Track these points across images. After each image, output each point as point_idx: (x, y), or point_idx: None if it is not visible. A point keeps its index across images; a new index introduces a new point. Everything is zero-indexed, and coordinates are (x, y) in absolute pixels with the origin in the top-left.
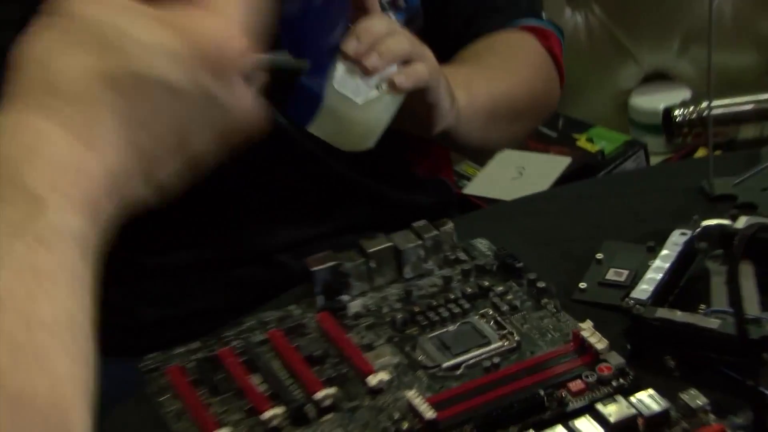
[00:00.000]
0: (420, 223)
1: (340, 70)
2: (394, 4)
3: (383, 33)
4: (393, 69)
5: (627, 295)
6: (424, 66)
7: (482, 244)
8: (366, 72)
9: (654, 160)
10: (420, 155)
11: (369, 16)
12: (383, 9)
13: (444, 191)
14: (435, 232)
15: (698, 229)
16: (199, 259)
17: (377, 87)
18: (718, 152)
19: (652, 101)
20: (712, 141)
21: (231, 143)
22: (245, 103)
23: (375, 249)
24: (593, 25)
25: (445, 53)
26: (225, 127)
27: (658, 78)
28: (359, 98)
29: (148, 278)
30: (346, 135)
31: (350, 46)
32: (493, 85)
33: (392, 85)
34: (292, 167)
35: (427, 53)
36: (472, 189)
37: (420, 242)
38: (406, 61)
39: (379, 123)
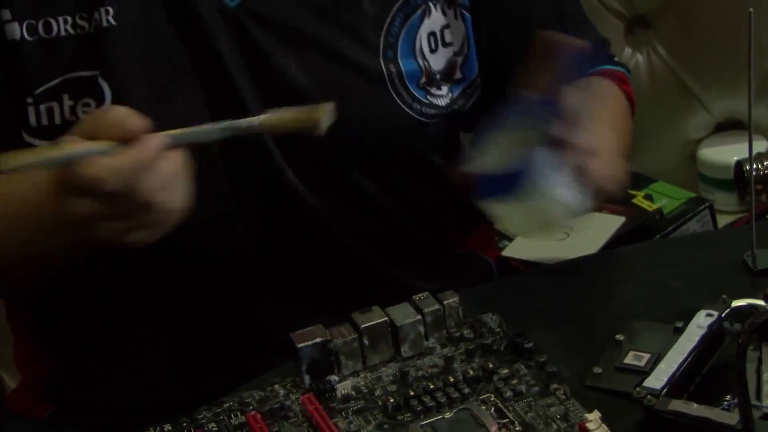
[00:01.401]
0: (422, 296)
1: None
2: (450, 77)
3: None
4: None
5: (641, 383)
6: None
7: (492, 320)
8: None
9: (724, 220)
10: (465, 233)
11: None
12: (435, 80)
13: (485, 274)
14: (437, 307)
15: (727, 310)
16: (210, 341)
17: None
18: None
19: (724, 153)
20: (754, 205)
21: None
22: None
23: (368, 324)
24: (656, 66)
25: None
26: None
27: (731, 127)
28: (576, 205)
29: (148, 360)
30: (534, 225)
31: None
32: None
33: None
34: (318, 252)
35: None
36: (512, 251)
37: (419, 317)
38: None
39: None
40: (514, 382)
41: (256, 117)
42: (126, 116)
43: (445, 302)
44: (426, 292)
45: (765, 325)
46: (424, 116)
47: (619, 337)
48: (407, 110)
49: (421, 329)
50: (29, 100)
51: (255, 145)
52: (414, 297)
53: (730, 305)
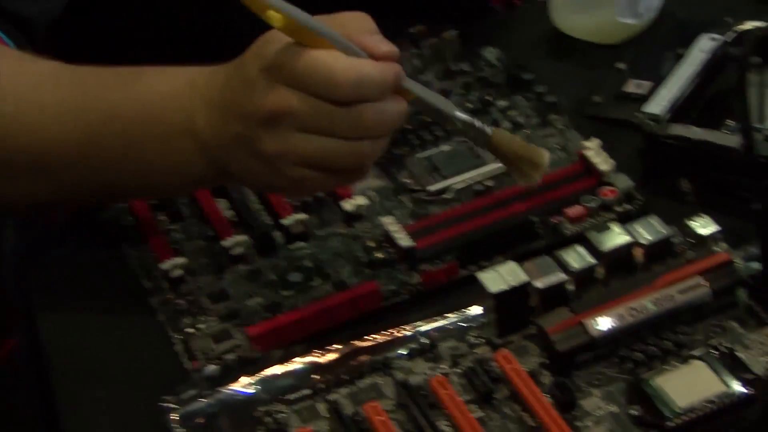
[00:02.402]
0: (418, 29)
1: None
2: None
3: None
4: None
5: (641, 109)
6: None
7: (491, 54)
8: None
9: None
10: None
11: None
12: None
13: None
14: (435, 39)
15: (730, 33)
16: None
17: None
18: None
19: None
20: None
21: None
22: None
23: None
24: None
25: None
26: None
27: None
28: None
29: None
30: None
31: None
32: None
33: None
34: None
35: None
36: None
37: (416, 50)
38: None
39: None
40: (513, 113)
41: (488, 126)
42: (376, 30)
43: (442, 35)
44: (422, 26)
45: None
46: None
47: (620, 65)
48: None
49: (418, 63)
50: None
51: None
52: (410, 29)
53: (733, 28)
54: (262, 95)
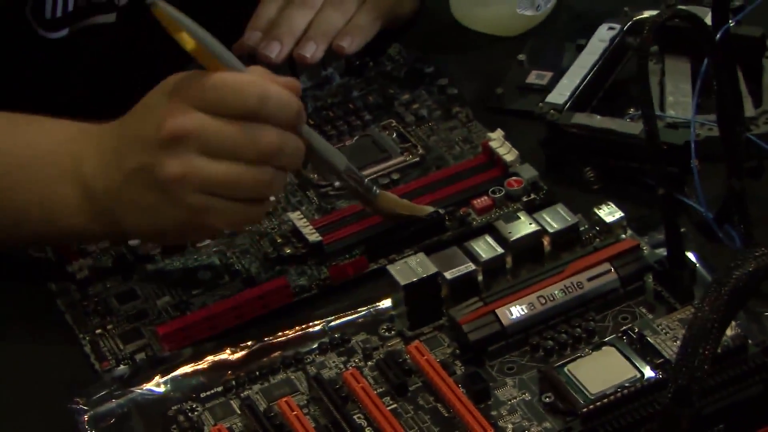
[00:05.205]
0: None
1: None
2: None
3: None
4: None
5: (544, 100)
6: None
7: (392, 48)
8: None
9: None
10: None
11: None
12: None
13: None
14: None
15: (629, 23)
16: None
17: None
18: None
19: None
20: None
21: None
22: None
23: None
24: None
25: None
26: None
27: None
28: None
29: None
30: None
31: None
32: None
33: None
34: None
35: None
36: None
37: None
38: None
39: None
40: (416, 107)
41: (375, 187)
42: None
43: None
44: None
45: (667, 36)
46: None
47: (521, 57)
48: None
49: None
50: None
51: None
52: None
53: (632, 18)
54: (164, 116)
